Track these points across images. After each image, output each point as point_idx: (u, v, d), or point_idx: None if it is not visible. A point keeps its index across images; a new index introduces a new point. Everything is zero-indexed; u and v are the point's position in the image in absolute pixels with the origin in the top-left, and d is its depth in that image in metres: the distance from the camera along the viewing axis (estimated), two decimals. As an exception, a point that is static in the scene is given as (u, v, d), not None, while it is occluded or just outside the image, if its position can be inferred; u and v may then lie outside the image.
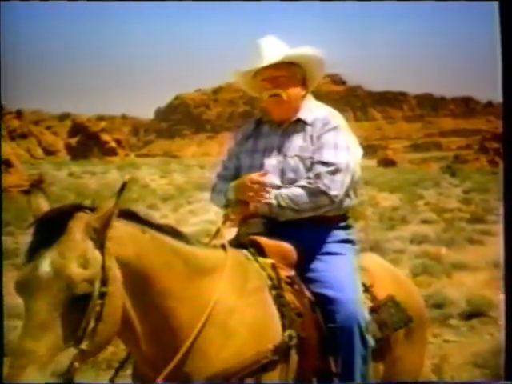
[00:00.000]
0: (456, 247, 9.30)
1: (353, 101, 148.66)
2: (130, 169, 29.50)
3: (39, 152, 47.92)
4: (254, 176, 2.17)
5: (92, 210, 1.64)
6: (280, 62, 2.25)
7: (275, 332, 1.90)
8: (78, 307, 1.53)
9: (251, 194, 2.14)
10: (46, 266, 1.53)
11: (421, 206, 15.66)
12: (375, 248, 8.17)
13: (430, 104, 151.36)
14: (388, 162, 43.17)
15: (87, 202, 1.71)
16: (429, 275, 7.14)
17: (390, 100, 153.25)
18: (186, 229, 10.31)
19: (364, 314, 2.08)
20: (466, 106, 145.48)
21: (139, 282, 1.69)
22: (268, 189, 2.15)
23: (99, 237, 1.59)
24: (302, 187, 2.15)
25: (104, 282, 1.58)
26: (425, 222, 12.52)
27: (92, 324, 1.55)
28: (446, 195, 18.59)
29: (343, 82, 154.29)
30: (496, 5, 2.35)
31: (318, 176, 2.14)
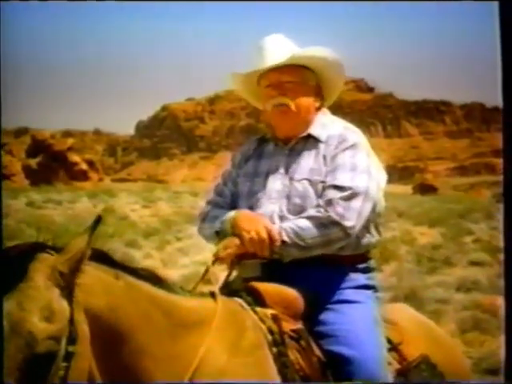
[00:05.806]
0: (514, 296, 9.23)
1: (382, 112, 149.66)
2: (104, 197, 29.60)
3: (-9, 176, 48.27)
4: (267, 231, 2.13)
5: (57, 249, 1.65)
6: (286, 63, 2.28)
7: None
8: (37, 371, 1.53)
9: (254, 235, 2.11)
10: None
11: (469, 243, 15.58)
12: (411, 297, 8.13)
13: (480, 116, 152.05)
14: (427, 188, 43.28)
15: (51, 240, 1.72)
16: (481, 332, 7.10)
17: (428, 111, 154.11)
18: (174, 271, 10.26)
19: (387, 377, 2.09)
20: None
21: (110, 340, 1.71)
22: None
23: (67, 284, 1.61)
24: (309, 218, 2.16)
25: (72, 339, 1.59)
26: (474, 264, 12.44)
27: None
28: (501, 230, 18.50)
29: (370, 89, 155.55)
30: None
31: (329, 203, 2.16)
